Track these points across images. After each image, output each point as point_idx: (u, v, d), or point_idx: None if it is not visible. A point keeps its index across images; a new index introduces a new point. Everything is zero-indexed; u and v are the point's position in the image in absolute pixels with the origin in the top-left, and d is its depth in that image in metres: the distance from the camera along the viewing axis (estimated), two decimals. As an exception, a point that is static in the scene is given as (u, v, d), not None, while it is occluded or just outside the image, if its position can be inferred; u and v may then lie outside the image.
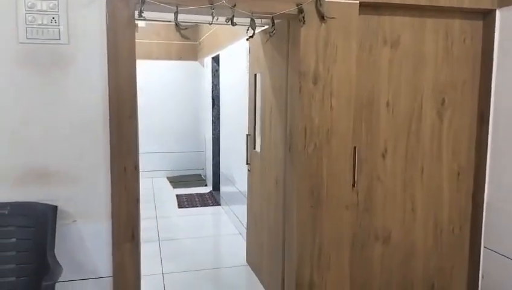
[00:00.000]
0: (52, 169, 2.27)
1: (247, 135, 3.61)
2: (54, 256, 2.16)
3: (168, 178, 7.47)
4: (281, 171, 2.86)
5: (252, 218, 3.68)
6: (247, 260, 3.83)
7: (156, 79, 7.50)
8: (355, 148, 2.65)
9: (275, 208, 3.03)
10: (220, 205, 5.83)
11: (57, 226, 2.23)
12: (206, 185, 6.99)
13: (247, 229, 3.83)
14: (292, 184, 2.68)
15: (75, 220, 2.32)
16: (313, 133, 2.58)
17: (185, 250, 4.27)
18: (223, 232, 4.99)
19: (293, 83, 2.62)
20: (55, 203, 2.24)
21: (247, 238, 3.84)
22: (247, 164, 3.61)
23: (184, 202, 5.98)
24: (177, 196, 6.29)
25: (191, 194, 6.42)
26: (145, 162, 7.43)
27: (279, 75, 2.88)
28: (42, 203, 2.23)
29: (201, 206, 5.80)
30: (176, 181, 7.22)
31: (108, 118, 2.30)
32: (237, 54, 4.74)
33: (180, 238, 4.57)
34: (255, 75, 3.47)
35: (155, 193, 6.45)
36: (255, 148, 3.51)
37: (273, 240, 3.09)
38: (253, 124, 3.55)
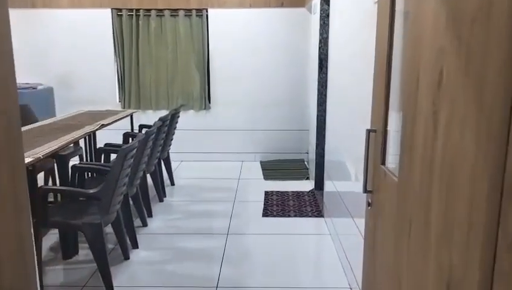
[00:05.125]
0: None
1: (368, 131, 1.68)
2: None
3: (261, 163, 5.80)
4: (463, 259, 0.93)
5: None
6: None
7: (249, 34, 5.75)
8: None
9: None
10: (322, 216, 3.98)
11: None
12: (308, 178, 5.17)
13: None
14: None
15: None
16: None
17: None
18: (320, 279, 2.99)
19: None
20: None
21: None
22: (365, 192, 1.71)
23: (273, 206, 4.24)
24: (265, 193, 4.58)
25: (285, 192, 4.65)
26: (233, 142, 5.85)
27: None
28: None
29: (295, 215, 4.01)
30: (271, 168, 5.52)
31: None
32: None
33: (246, 287, 2.83)
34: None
35: (239, 186, 4.82)
36: (383, 163, 1.59)
37: None
38: (383, 110, 1.60)
